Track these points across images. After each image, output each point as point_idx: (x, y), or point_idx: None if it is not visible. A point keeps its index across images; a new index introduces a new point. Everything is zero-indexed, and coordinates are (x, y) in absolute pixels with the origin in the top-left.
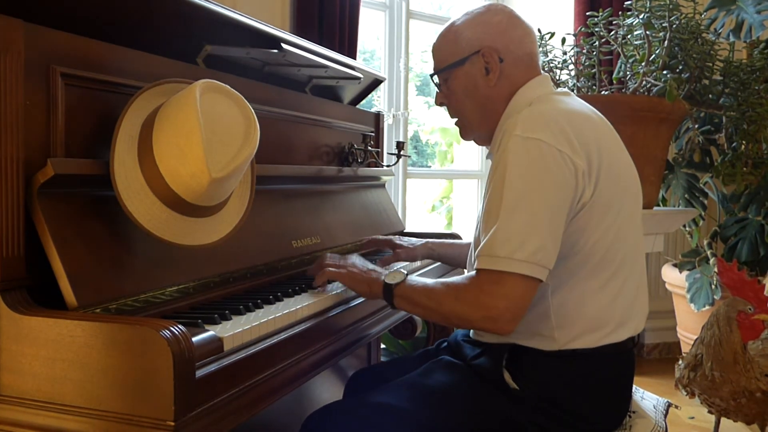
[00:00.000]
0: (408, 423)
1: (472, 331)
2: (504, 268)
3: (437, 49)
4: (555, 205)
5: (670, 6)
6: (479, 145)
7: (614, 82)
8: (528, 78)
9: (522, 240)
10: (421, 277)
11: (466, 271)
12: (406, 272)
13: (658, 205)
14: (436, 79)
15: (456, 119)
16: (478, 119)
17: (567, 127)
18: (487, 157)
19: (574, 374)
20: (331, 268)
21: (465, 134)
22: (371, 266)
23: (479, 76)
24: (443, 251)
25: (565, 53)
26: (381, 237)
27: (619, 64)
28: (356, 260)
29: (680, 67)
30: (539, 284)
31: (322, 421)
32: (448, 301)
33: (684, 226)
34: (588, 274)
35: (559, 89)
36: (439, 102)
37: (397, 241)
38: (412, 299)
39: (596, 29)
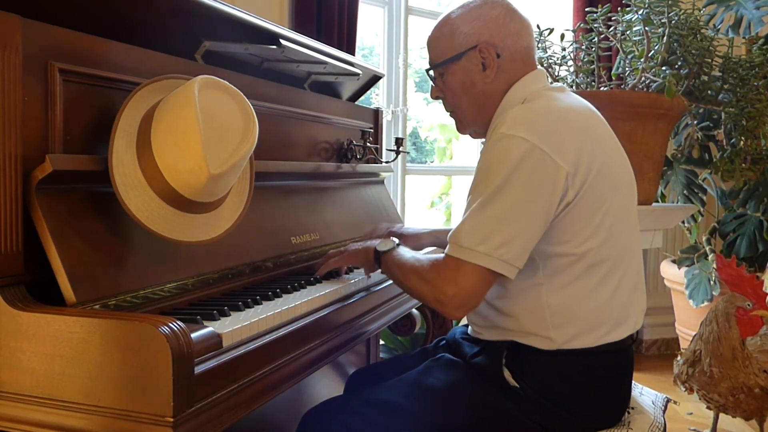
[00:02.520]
0: (408, 420)
1: (470, 328)
2: (464, 257)
3: (433, 43)
4: (527, 204)
5: (669, 2)
6: (475, 138)
7: (613, 78)
8: (524, 73)
9: (486, 234)
10: (413, 252)
11: None
12: (396, 242)
13: (657, 201)
14: (431, 72)
15: (451, 112)
16: (474, 114)
17: (557, 125)
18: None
19: (574, 372)
20: (332, 258)
21: (461, 128)
22: (369, 241)
23: (476, 72)
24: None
25: (564, 49)
26: (379, 234)
27: (618, 60)
28: (355, 243)
29: (679, 63)
30: (498, 278)
31: (320, 417)
32: (412, 277)
33: (683, 222)
34: (581, 274)
35: (555, 84)
36: (434, 96)
37: (399, 231)
38: (390, 269)
39: (595, 25)
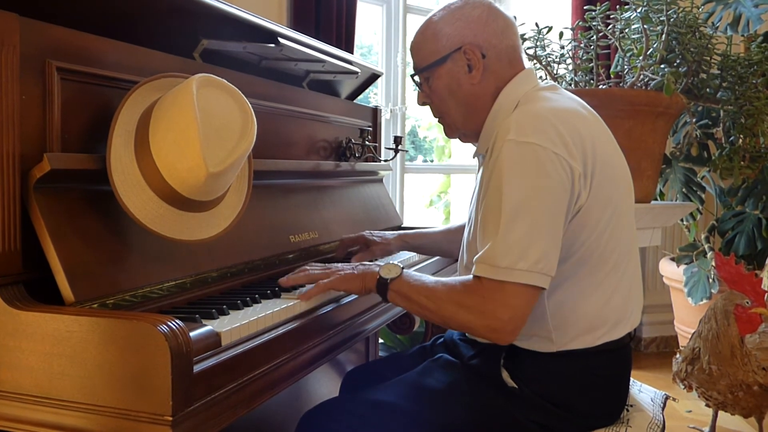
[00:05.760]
0: (407, 421)
1: None
2: (506, 278)
3: (416, 48)
4: (554, 210)
5: (668, 0)
6: (464, 142)
7: (612, 76)
8: (513, 73)
9: (523, 250)
10: (418, 272)
11: (459, 270)
12: (401, 266)
13: (656, 199)
14: (417, 78)
15: (439, 118)
16: (462, 118)
17: (561, 127)
18: (473, 156)
19: (573, 372)
20: (322, 280)
21: (449, 132)
22: (360, 264)
23: (462, 74)
24: (418, 242)
25: (562, 47)
26: (351, 236)
27: (616, 58)
28: (340, 264)
29: (678, 61)
30: (541, 291)
31: (319, 418)
32: (449, 306)
33: (681, 220)
34: (584, 275)
35: (545, 83)
36: (421, 102)
37: (369, 237)
38: (409, 297)
39: (594, 23)
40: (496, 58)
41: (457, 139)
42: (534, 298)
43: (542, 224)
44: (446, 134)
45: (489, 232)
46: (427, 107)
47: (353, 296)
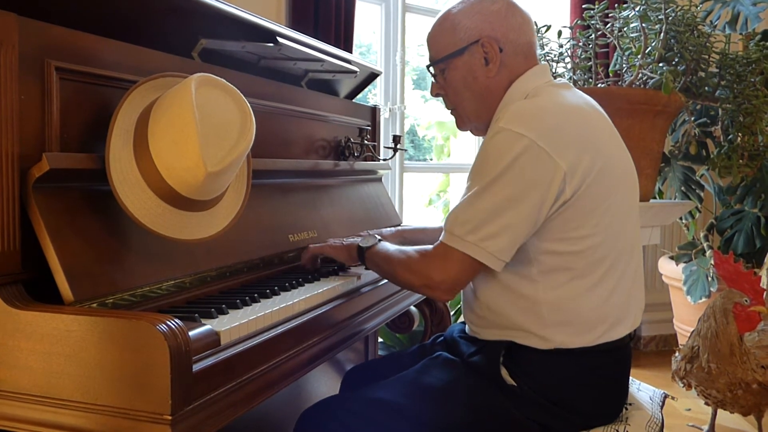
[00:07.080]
0: (406, 419)
1: (467, 327)
2: (453, 244)
3: (433, 39)
4: (519, 200)
5: None
6: (476, 135)
7: (610, 74)
8: (527, 68)
9: (476, 225)
10: (397, 245)
11: None
12: (379, 238)
13: (655, 198)
14: (432, 69)
15: (452, 109)
16: (475, 110)
17: (558, 122)
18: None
19: (572, 371)
20: (312, 245)
21: (461, 125)
22: (350, 237)
23: (478, 66)
24: (416, 237)
25: (561, 46)
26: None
27: (615, 57)
28: (333, 239)
29: (676, 60)
30: (482, 268)
31: (318, 416)
32: (400, 269)
33: (680, 218)
34: (579, 272)
35: (559, 80)
36: (435, 93)
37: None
38: (377, 263)
39: (592, 22)
40: (513, 52)
41: (469, 132)
42: (473, 269)
43: (502, 208)
44: (458, 126)
45: (459, 200)
46: (429, 105)
47: (352, 296)
